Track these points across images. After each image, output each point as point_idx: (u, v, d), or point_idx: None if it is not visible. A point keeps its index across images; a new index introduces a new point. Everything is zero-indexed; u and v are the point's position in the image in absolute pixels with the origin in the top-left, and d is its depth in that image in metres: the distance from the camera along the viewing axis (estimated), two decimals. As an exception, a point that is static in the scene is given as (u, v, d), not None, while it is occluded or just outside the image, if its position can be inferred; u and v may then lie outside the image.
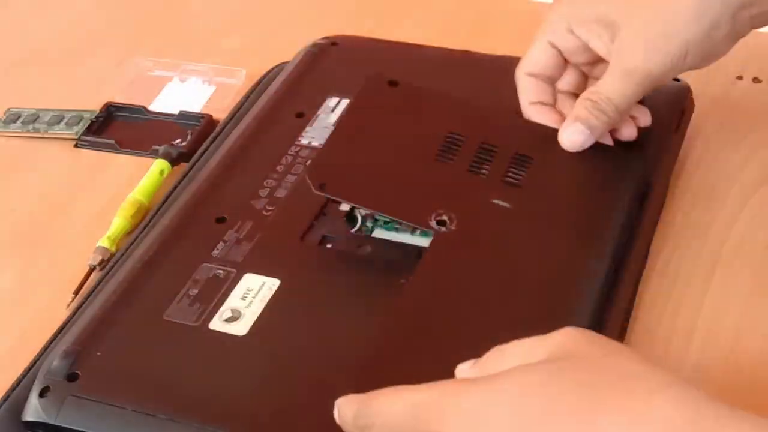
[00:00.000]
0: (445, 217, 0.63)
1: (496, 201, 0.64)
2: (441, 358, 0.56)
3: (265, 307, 0.61)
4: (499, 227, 0.64)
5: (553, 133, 0.68)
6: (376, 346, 0.57)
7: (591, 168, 0.68)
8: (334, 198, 0.65)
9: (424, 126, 0.69)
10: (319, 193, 0.64)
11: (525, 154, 0.67)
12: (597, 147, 0.68)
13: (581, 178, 0.68)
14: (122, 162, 0.80)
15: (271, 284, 0.62)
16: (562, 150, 0.68)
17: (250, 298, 0.61)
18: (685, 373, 0.62)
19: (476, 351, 0.56)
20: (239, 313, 0.60)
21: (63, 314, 0.66)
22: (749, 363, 0.62)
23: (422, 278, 0.60)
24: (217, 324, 0.60)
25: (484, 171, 0.66)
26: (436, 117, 0.70)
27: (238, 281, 0.62)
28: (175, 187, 0.74)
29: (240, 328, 0.59)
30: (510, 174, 0.66)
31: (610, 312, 0.61)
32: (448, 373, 0.54)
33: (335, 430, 0.53)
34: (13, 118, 0.84)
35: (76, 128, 0.83)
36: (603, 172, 0.68)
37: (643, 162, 0.69)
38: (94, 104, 0.84)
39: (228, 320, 0.60)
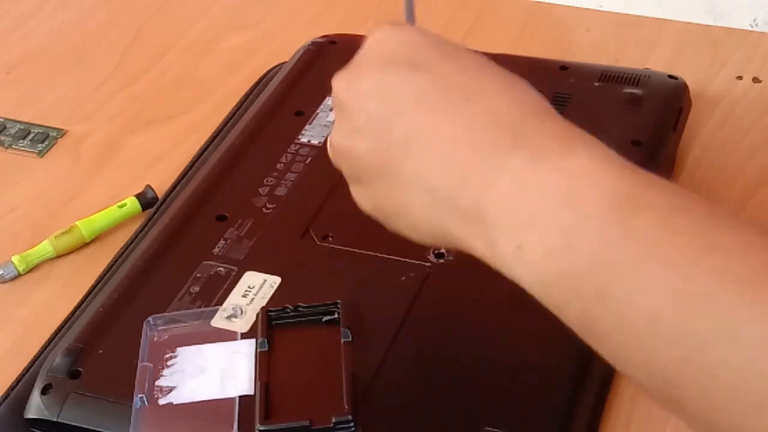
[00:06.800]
0: (443, 250, 0.63)
1: None
2: (449, 375, 0.57)
3: (266, 305, 0.61)
4: None
5: None
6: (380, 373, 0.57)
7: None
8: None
9: None
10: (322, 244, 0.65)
11: None
12: None
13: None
14: (123, 162, 0.80)
15: (273, 281, 0.62)
16: None
17: (251, 295, 0.61)
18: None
19: (482, 367, 0.57)
20: (240, 310, 0.60)
21: (63, 312, 0.66)
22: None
23: (424, 311, 0.61)
24: (218, 321, 0.60)
25: None
26: None
27: (239, 279, 0.63)
28: (176, 186, 0.74)
29: (241, 326, 0.60)
30: None
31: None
32: (457, 393, 0.56)
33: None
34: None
35: (40, 146, 0.81)
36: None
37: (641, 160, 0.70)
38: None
39: (229, 317, 0.60)
